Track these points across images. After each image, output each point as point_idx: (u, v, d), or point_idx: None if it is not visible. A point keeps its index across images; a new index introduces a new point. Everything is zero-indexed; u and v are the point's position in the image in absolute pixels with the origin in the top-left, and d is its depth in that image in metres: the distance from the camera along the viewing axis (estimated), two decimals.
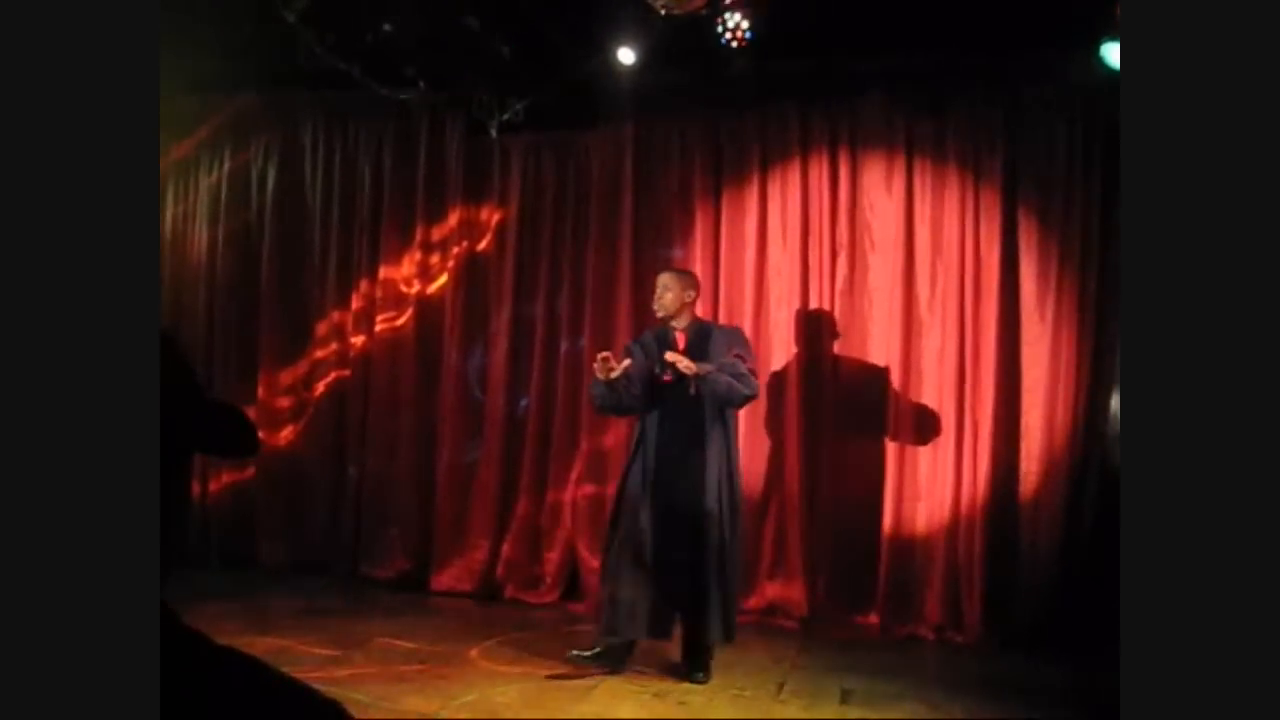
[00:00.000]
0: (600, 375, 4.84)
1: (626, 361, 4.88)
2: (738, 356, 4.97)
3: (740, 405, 5.07)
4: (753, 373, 4.99)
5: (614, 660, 4.97)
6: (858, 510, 6.18)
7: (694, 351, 4.96)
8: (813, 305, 6.28)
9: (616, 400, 4.95)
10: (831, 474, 6.24)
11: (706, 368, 4.86)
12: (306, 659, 4.90)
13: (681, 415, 4.93)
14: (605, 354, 4.87)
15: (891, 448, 6.12)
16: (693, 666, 4.93)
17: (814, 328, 6.27)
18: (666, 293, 5.09)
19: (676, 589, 4.85)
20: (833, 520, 6.22)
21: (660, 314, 5.11)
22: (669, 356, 4.88)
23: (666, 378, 4.91)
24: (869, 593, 6.13)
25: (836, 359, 6.25)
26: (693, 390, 4.86)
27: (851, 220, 6.26)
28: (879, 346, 6.18)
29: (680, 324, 5.09)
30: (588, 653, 4.97)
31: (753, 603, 6.22)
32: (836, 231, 6.27)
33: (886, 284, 6.18)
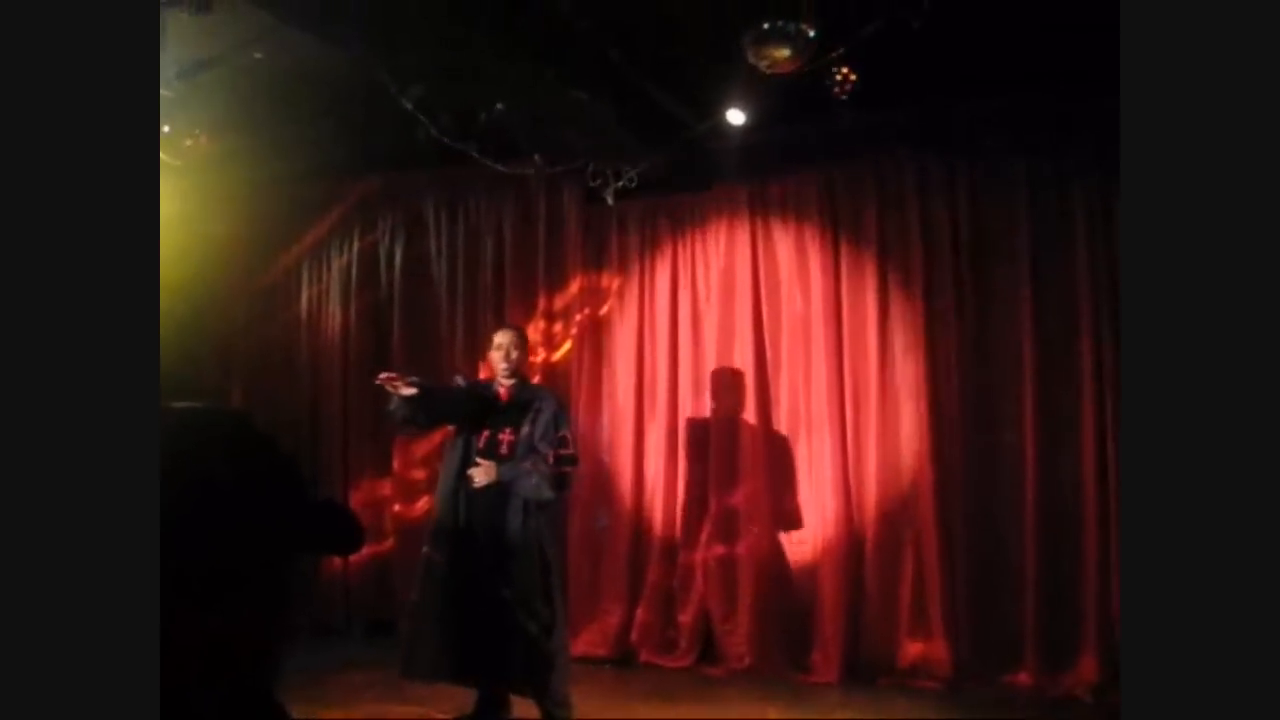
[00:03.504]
0: (395, 393, 4.80)
1: (412, 391, 4.77)
2: (560, 438, 4.98)
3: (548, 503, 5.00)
4: (568, 457, 5.00)
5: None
6: (1000, 558, 5.96)
7: (515, 407, 4.99)
8: (940, 355, 6.13)
9: (413, 417, 4.90)
10: (968, 521, 6.03)
11: (508, 473, 4.84)
12: None
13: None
14: (388, 375, 4.83)
15: (1032, 489, 5.88)
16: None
17: (941, 377, 6.12)
18: (514, 351, 5.07)
19: (479, 635, 4.77)
20: (974, 570, 6.00)
21: (506, 372, 5.06)
22: (474, 475, 4.84)
23: (477, 482, 4.85)
24: (1018, 649, 5.87)
25: (965, 405, 6.07)
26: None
27: (974, 267, 6.11)
28: (1013, 389, 5.99)
29: (507, 381, 5.07)
30: None
31: (893, 663, 6.04)
32: (961, 277, 6.12)
33: (1015, 332, 5.99)
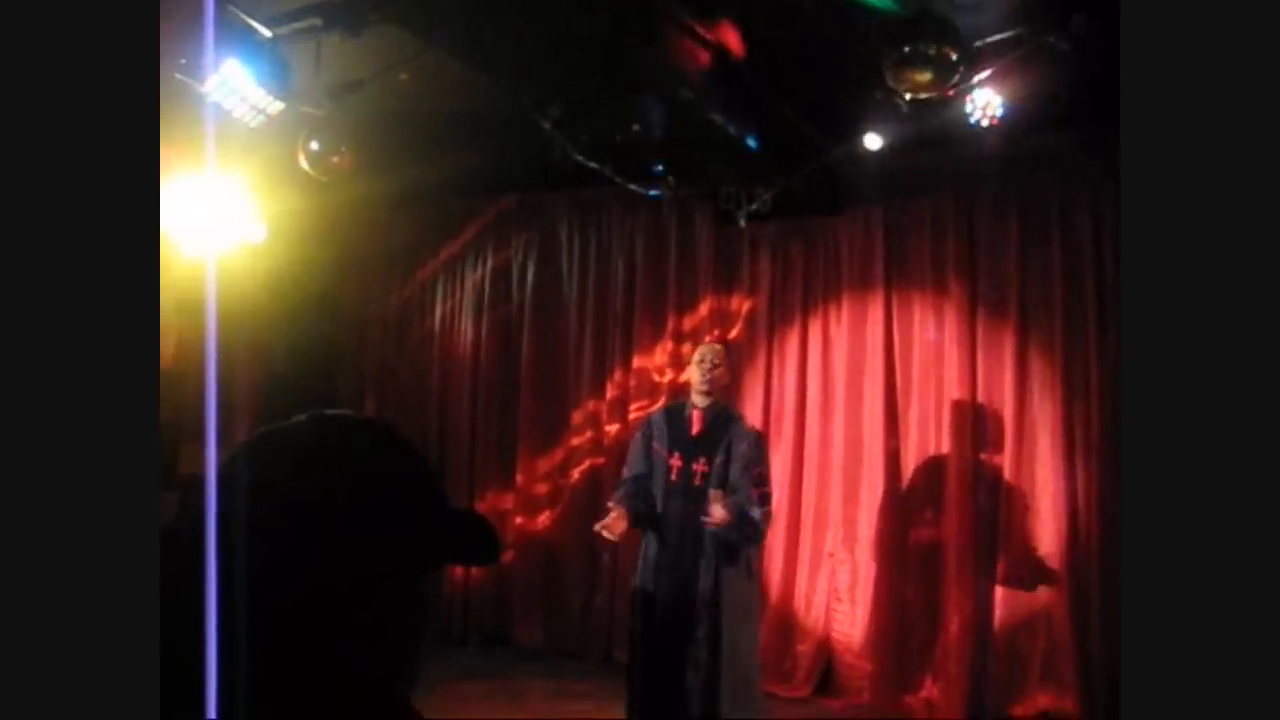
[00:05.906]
0: (611, 538, 4.63)
1: (620, 524, 4.58)
2: (758, 475, 4.57)
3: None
4: (767, 496, 4.58)
5: None
6: None
7: (710, 436, 4.63)
8: (1078, 389, 5.90)
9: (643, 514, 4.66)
10: (1105, 567, 5.78)
11: (725, 518, 4.40)
12: None
13: (681, 515, 4.60)
14: (606, 525, 4.59)
15: None
16: None
17: (1078, 413, 5.88)
18: (716, 369, 4.70)
19: (673, 699, 4.48)
20: (1110, 620, 5.74)
21: (704, 387, 4.70)
22: (713, 512, 4.42)
23: (715, 519, 4.43)
24: None
25: (1104, 443, 5.81)
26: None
27: (1119, 302, 5.87)
28: None
29: (702, 402, 4.72)
30: None
31: (1020, 708, 5.83)
32: (1104, 311, 5.88)
33: None
